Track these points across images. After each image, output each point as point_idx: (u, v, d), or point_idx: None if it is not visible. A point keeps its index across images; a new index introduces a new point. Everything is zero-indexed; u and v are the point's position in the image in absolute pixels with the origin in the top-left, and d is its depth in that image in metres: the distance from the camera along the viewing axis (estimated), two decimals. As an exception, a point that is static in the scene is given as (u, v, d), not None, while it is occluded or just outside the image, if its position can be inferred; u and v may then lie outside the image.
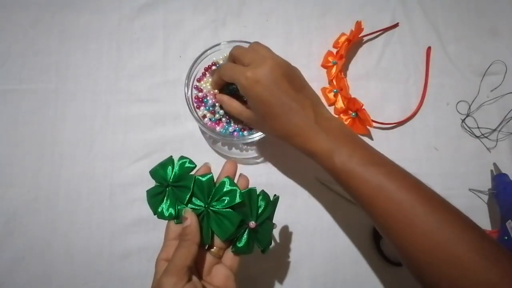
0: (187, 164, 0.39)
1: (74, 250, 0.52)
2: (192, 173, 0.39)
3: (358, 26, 0.59)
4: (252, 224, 0.38)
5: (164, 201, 0.38)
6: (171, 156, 0.40)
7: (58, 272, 0.52)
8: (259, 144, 0.56)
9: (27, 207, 0.53)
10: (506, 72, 0.61)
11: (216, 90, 0.51)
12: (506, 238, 0.50)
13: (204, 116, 0.53)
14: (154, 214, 0.39)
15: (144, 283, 0.52)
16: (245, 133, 0.52)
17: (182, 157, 0.39)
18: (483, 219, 0.57)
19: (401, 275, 0.53)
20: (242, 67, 0.43)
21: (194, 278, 0.35)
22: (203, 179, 0.37)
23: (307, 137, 0.41)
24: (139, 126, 0.57)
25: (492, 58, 0.62)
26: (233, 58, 0.46)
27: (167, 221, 0.39)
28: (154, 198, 0.39)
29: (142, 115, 0.57)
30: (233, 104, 0.48)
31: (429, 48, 0.62)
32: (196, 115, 0.52)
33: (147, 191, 0.40)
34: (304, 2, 0.63)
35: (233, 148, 0.56)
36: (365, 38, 0.62)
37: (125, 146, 0.56)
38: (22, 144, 0.55)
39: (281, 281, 0.53)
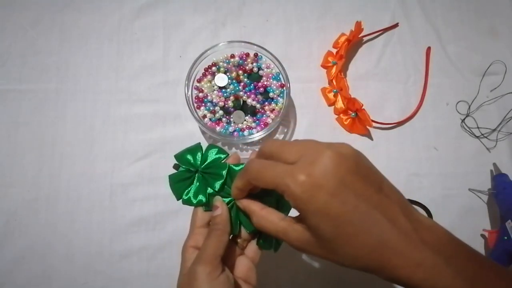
0: (218, 153, 0.38)
1: (74, 250, 0.52)
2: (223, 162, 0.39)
3: (358, 26, 0.59)
4: None
5: (192, 187, 0.38)
6: (199, 142, 0.40)
7: (58, 272, 0.52)
8: (259, 144, 0.56)
9: (27, 207, 0.53)
10: (505, 72, 0.61)
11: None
12: (506, 238, 0.50)
13: (204, 116, 0.53)
14: (178, 200, 0.38)
15: (144, 283, 0.52)
16: (245, 133, 0.52)
17: (212, 145, 0.39)
18: (482, 219, 0.57)
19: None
20: (286, 165, 0.29)
21: (226, 269, 0.34)
22: (237, 168, 0.37)
23: (407, 262, 0.27)
24: (139, 126, 0.57)
25: (492, 58, 0.62)
26: (266, 155, 0.32)
27: (193, 208, 0.38)
28: (179, 183, 0.38)
29: (142, 115, 0.57)
30: (271, 218, 0.32)
31: (428, 48, 0.62)
32: (196, 115, 0.52)
33: (170, 176, 0.39)
34: (304, 2, 0.63)
35: (233, 148, 0.56)
36: (365, 38, 0.62)
37: (125, 146, 0.56)
38: (22, 144, 0.55)
39: (284, 281, 0.53)
